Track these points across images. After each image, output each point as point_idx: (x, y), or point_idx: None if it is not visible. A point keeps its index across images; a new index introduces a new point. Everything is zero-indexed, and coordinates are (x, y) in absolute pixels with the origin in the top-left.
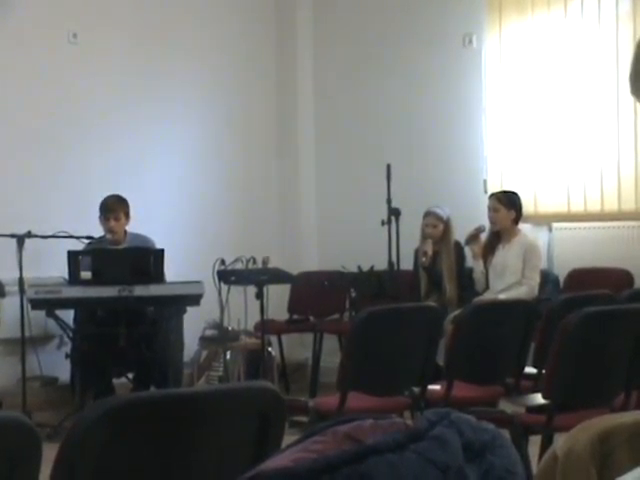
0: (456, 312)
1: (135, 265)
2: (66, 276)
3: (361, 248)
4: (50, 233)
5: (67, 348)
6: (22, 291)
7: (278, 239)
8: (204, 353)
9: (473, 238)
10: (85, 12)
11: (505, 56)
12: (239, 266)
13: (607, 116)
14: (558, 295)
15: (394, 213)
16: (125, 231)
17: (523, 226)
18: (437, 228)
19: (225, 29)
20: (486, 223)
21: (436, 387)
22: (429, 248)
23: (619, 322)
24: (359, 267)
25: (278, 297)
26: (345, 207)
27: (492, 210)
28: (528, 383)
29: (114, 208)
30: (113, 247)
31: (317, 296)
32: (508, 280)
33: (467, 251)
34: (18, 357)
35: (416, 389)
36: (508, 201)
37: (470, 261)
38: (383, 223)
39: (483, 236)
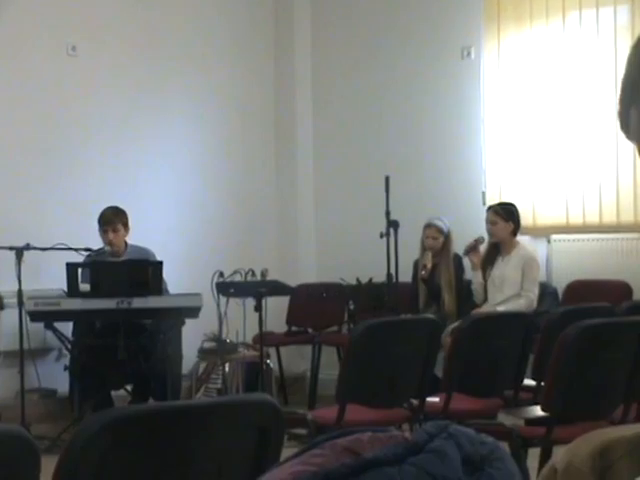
0: (455, 324)
1: (133, 277)
2: (65, 288)
3: (360, 260)
4: (49, 245)
5: (66, 360)
6: (21, 303)
7: (277, 251)
8: (203, 365)
9: (472, 249)
10: (84, 25)
11: (503, 68)
12: (238, 278)
13: (606, 128)
14: (557, 307)
15: (393, 225)
16: (126, 243)
17: (522, 238)
18: (437, 240)
19: (224, 42)
20: (485, 235)
21: (435, 399)
22: (428, 261)
23: (618, 334)
24: (358, 279)
25: (277, 309)
26: (344, 219)
27: (490, 222)
28: (527, 395)
29: (112, 220)
30: (112, 259)
31: (316, 308)
32: (507, 292)
33: (466, 262)
34: (17, 369)
35: (415, 401)
36: (506, 213)
37: (469, 273)
38: (382, 235)
39: (482, 247)
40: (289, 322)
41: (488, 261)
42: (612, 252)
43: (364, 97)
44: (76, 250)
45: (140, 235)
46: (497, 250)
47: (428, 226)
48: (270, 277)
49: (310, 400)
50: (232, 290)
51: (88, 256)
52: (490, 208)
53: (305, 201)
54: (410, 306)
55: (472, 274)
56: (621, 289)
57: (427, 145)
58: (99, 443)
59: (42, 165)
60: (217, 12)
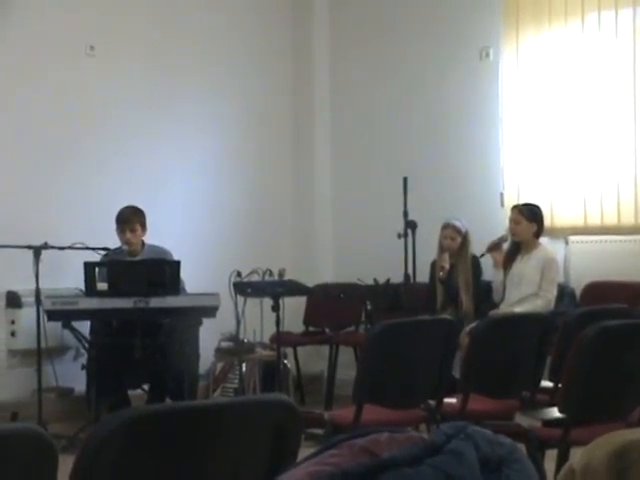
0: (472, 325)
1: (151, 277)
2: (82, 287)
3: (377, 260)
4: (66, 244)
5: (83, 359)
6: (38, 302)
7: (294, 251)
8: (220, 365)
9: (495, 247)
10: (102, 25)
11: (522, 69)
12: (255, 278)
13: (624, 129)
14: (574, 309)
15: (410, 226)
16: (143, 242)
17: (540, 239)
18: (455, 240)
19: (242, 40)
20: (506, 234)
21: (452, 400)
22: (446, 262)
23: (636, 336)
24: (375, 280)
25: (294, 309)
26: (361, 219)
27: (513, 222)
28: (544, 397)
29: (129, 219)
30: (129, 259)
31: (333, 308)
32: (524, 291)
33: (485, 262)
34: (34, 368)
35: (432, 402)
36: (530, 214)
37: (487, 274)
38: (399, 236)
39: (505, 246)
40: (306, 322)
41: (508, 260)
42: (630, 253)
43: (382, 98)
44: (94, 249)
45: (158, 235)
46: (518, 249)
47: (446, 226)
48: (287, 277)
49: (327, 400)
50: (249, 290)
51: (105, 255)
52: (515, 207)
53: (323, 201)
54: (427, 307)
55: (493, 272)
56: (639, 291)
57: (445, 146)
58: (116, 443)
59: (60, 164)
60: (234, 12)
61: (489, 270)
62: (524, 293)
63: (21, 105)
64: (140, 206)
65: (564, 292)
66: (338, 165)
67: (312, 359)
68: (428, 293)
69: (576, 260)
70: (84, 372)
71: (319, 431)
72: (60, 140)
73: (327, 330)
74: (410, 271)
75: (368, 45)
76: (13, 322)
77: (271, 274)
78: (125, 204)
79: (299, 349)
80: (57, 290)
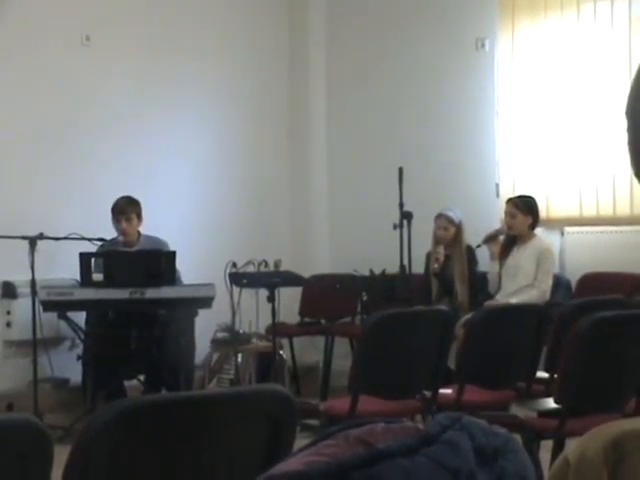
0: (468, 316)
1: (147, 267)
2: (78, 278)
3: (373, 251)
4: (62, 235)
5: (79, 350)
6: (34, 293)
7: (290, 242)
8: (215, 356)
9: (492, 238)
10: (98, 15)
11: (518, 60)
12: (251, 269)
13: (619, 120)
14: (570, 299)
15: (406, 217)
16: (139, 233)
17: (535, 230)
18: (448, 231)
19: (238, 33)
20: (502, 227)
21: (447, 391)
22: (440, 255)
23: (631, 327)
24: (371, 270)
25: (289, 300)
26: (357, 210)
27: (509, 215)
28: (540, 387)
29: (125, 209)
30: (125, 249)
31: (328, 299)
32: (520, 282)
33: (481, 253)
34: (30, 359)
35: (427, 393)
36: (525, 206)
37: (483, 266)
38: (395, 227)
39: (502, 238)
40: (302, 313)
41: (504, 252)
42: (625, 244)
43: (378, 89)
44: (89, 240)
45: (153, 225)
46: (513, 241)
47: (438, 217)
48: (283, 268)
49: (322, 391)
50: (245, 281)
51: (101, 246)
52: (510, 201)
53: (319, 192)
54: (423, 298)
55: (490, 264)
56: (634, 282)
57: (441, 137)
58: (112, 433)
59: (56, 155)
60: (232, 5)
61: (486, 261)
62: (520, 284)
63: (16, 95)
64: (136, 196)
65: (559, 283)
66: (334, 156)
67: (308, 350)
68: (423, 284)
69: (571, 251)
70: (80, 363)
71: (315, 422)
72: (56, 130)
73: (323, 321)
74: (406, 262)
75: (364, 35)
76: (8, 313)
77: (267, 265)
78: (121, 194)
79: (295, 340)
80: (53, 281)
